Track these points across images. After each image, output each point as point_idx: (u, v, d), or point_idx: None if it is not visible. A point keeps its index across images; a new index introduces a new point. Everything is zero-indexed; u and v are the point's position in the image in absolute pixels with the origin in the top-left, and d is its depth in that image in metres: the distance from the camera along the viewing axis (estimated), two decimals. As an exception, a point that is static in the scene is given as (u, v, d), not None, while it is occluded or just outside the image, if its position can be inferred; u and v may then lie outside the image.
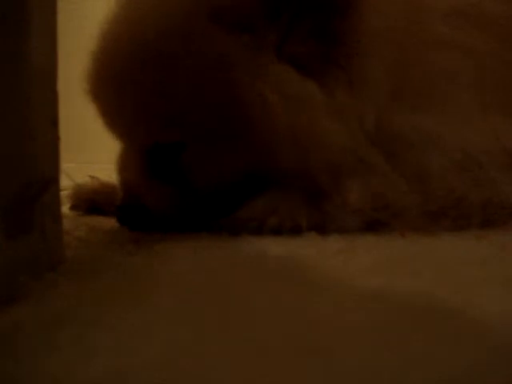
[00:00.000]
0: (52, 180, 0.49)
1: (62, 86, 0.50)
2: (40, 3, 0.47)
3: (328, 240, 0.62)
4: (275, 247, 0.60)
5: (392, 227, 0.66)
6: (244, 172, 0.68)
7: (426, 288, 0.44)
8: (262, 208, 0.67)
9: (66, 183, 0.86)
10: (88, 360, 0.31)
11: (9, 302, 0.40)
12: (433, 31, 0.72)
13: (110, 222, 0.79)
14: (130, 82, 0.67)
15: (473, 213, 0.68)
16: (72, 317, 0.38)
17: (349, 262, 0.53)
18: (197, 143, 0.68)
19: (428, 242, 0.61)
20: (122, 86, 0.68)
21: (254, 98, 0.64)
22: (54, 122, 0.49)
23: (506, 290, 0.44)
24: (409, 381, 0.29)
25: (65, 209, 0.88)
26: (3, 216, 0.43)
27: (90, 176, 1.01)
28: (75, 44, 1.80)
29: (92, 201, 0.95)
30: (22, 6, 0.44)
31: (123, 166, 0.76)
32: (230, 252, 0.60)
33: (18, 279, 0.43)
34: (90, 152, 1.64)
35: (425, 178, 0.67)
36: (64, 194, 0.83)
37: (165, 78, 0.65)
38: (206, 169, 0.70)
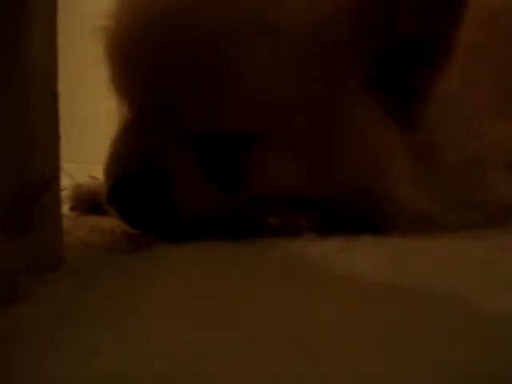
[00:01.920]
0: (52, 180, 0.49)
1: (62, 85, 0.50)
2: (40, 3, 0.47)
3: (328, 240, 0.62)
4: (275, 247, 0.60)
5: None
6: (300, 191, 0.63)
7: (426, 288, 0.44)
8: (261, 208, 0.67)
9: (66, 183, 0.86)
10: (88, 360, 0.31)
11: (9, 302, 0.40)
12: None
13: (110, 223, 0.79)
14: (206, 51, 0.59)
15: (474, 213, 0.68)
16: (72, 317, 0.38)
17: (349, 262, 0.53)
18: (267, 142, 0.61)
19: (428, 242, 0.61)
20: (194, 56, 0.59)
21: (350, 116, 0.62)
22: (53, 122, 0.49)
23: (506, 290, 0.44)
24: (409, 381, 0.29)
25: (65, 209, 0.88)
26: (3, 216, 0.43)
27: (89, 176, 1.01)
28: (75, 44, 1.80)
29: (92, 201, 0.95)
30: (22, 6, 0.44)
31: (142, 135, 0.63)
32: (230, 252, 0.59)
33: (17, 279, 0.43)
34: (90, 152, 1.64)
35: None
36: (64, 194, 0.83)
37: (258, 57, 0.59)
38: (264, 175, 0.63)
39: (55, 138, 0.49)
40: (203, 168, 0.61)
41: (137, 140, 0.62)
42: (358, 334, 0.34)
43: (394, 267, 0.51)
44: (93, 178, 0.99)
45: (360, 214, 0.63)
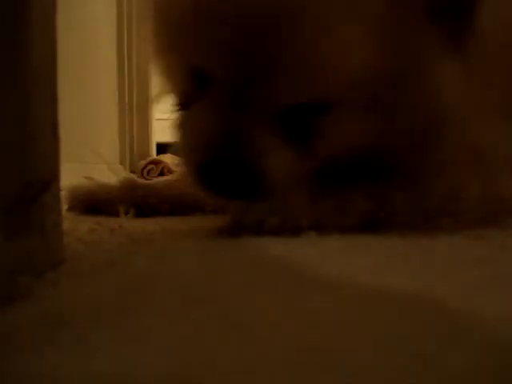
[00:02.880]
0: (52, 180, 0.49)
1: (62, 85, 0.50)
2: (40, 3, 0.47)
3: (328, 240, 0.62)
4: (275, 247, 0.60)
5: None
6: (368, 149, 0.67)
7: (426, 288, 0.44)
8: (262, 208, 0.67)
9: (65, 183, 0.86)
10: (88, 360, 0.31)
11: (9, 302, 0.40)
12: None
13: (109, 222, 0.79)
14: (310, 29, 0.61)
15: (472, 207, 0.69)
16: (72, 317, 0.38)
17: (349, 262, 0.53)
18: (343, 107, 0.65)
19: (428, 242, 0.61)
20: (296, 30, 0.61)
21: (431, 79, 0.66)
22: (53, 122, 0.49)
23: (506, 290, 0.44)
24: (408, 381, 0.29)
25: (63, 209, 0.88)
26: (3, 216, 0.43)
27: (86, 177, 1.01)
28: (75, 44, 1.80)
29: (89, 202, 0.95)
30: (22, 6, 0.44)
31: (220, 117, 0.65)
32: (231, 251, 0.60)
33: (17, 279, 0.43)
34: (89, 152, 1.64)
35: None
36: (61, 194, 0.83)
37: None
38: (337, 137, 0.67)
39: (55, 138, 0.50)
40: (284, 135, 0.65)
41: (226, 115, 0.64)
42: (358, 334, 0.34)
43: (394, 267, 0.51)
44: (89, 178, 1.00)
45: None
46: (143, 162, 2.38)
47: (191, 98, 0.69)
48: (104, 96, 2.34)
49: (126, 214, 0.89)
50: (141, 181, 1.07)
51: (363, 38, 0.63)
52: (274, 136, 0.65)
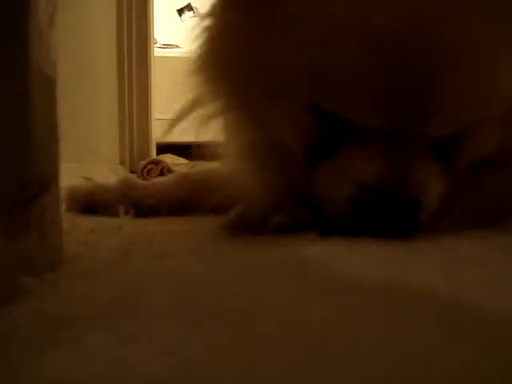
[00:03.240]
0: (52, 180, 0.49)
1: (62, 85, 0.50)
2: (40, 4, 0.47)
3: (329, 240, 0.62)
4: (276, 247, 0.60)
5: None
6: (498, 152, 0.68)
7: (426, 288, 0.44)
8: (264, 205, 0.67)
9: (65, 183, 0.86)
10: (88, 360, 0.31)
11: (9, 302, 0.40)
12: None
13: (109, 222, 0.79)
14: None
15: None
16: (71, 317, 0.38)
17: (349, 262, 0.53)
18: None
19: (428, 242, 0.61)
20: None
21: None
22: (53, 122, 0.49)
23: (506, 290, 0.44)
24: (409, 379, 0.29)
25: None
26: (3, 216, 0.43)
27: (84, 178, 1.01)
28: (75, 45, 1.80)
29: (86, 202, 0.95)
30: (22, 7, 0.44)
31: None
32: (231, 251, 0.60)
33: (17, 279, 0.43)
34: (89, 152, 1.64)
35: None
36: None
37: None
38: (477, 150, 0.67)
39: (55, 138, 0.50)
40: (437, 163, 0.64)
41: (386, 156, 0.63)
42: (358, 334, 0.34)
43: (394, 267, 0.51)
44: (87, 179, 1.00)
45: None
46: (143, 162, 2.38)
47: (320, 143, 0.66)
48: (104, 96, 2.34)
49: (126, 214, 0.89)
50: (139, 181, 1.06)
51: None
52: (432, 167, 0.64)
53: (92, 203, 0.95)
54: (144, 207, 0.92)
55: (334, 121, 0.64)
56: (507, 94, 0.63)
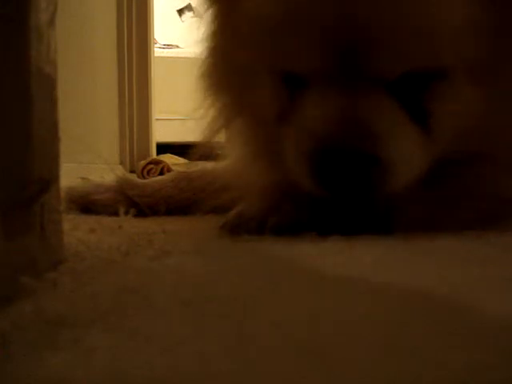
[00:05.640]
0: (52, 180, 0.49)
1: (62, 85, 0.50)
2: (40, 4, 0.47)
3: (328, 240, 0.62)
4: (275, 247, 0.60)
5: None
6: (480, 120, 0.64)
7: (426, 288, 0.44)
8: (262, 207, 0.67)
9: (65, 183, 0.86)
10: (88, 360, 0.31)
11: (9, 302, 0.40)
12: None
13: (109, 222, 0.79)
14: None
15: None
16: (72, 317, 0.38)
17: (349, 262, 0.53)
18: (453, 77, 0.61)
19: (428, 242, 0.61)
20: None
21: None
22: (54, 123, 0.49)
23: (506, 290, 0.44)
24: (408, 380, 0.29)
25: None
26: (3, 216, 0.43)
27: (81, 178, 1.01)
28: (75, 45, 1.80)
29: (84, 202, 0.95)
30: (22, 7, 0.44)
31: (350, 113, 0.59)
32: (231, 251, 0.60)
33: (17, 279, 0.43)
34: (89, 152, 1.64)
35: None
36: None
37: None
38: (452, 113, 0.62)
39: (55, 138, 0.50)
40: (403, 115, 0.59)
41: (339, 99, 0.59)
42: (358, 334, 0.34)
43: (394, 267, 0.51)
44: (84, 179, 1.00)
45: None
46: (143, 162, 2.38)
47: (286, 107, 0.65)
48: (104, 96, 2.34)
49: (126, 213, 0.89)
50: (136, 179, 1.06)
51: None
52: (394, 116, 0.59)
53: (90, 202, 0.95)
54: (141, 206, 0.92)
55: (293, 81, 0.63)
56: (463, 31, 0.60)
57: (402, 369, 0.30)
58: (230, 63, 0.71)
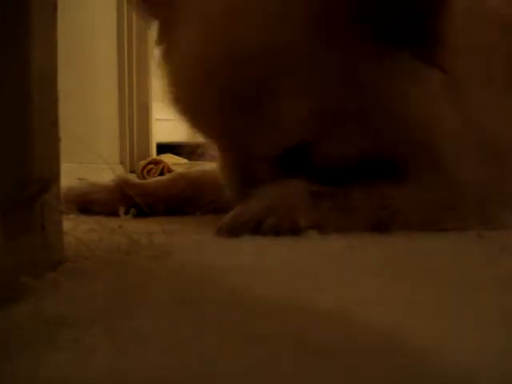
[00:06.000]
0: (52, 180, 0.49)
1: (62, 85, 0.50)
2: (40, 4, 0.47)
3: (328, 240, 0.62)
4: (275, 246, 0.60)
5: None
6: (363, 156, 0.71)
7: (426, 288, 0.44)
8: (259, 208, 0.67)
9: (65, 183, 0.86)
10: (88, 360, 0.31)
11: (9, 302, 0.40)
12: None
13: (109, 222, 0.79)
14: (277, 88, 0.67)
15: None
16: (72, 317, 0.38)
17: (349, 262, 0.53)
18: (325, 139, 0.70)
19: (428, 242, 0.61)
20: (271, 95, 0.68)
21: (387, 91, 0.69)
22: (54, 123, 0.49)
23: (506, 290, 0.44)
24: (407, 379, 0.29)
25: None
26: (3, 216, 0.43)
27: (78, 178, 1.01)
28: (75, 44, 1.80)
29: (82, 202, 0.95)
30: (21, 7, 0.44)
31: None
32: (230, 251, 0.60)
33: (17, 279, 0.43)
34: (89, 152, 1.64)
35: None
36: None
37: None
38: (331, 156, 0.71)
39: (55, 138, 0.50)
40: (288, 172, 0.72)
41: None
42: (358, 333, 0.34)
43: (394, 267, 0.51)
44: (81, 180, 1.00)
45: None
46: (143, 162, 2.38)
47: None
48: (104, 96, 2.34)
49: (126, 213, 0.89)
50: (134, 179, 1.07)
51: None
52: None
53: (87, 201, 0.95)
54: (140, 204, 0.93)
55: None
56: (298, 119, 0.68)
57: (401, 367, 0.30)
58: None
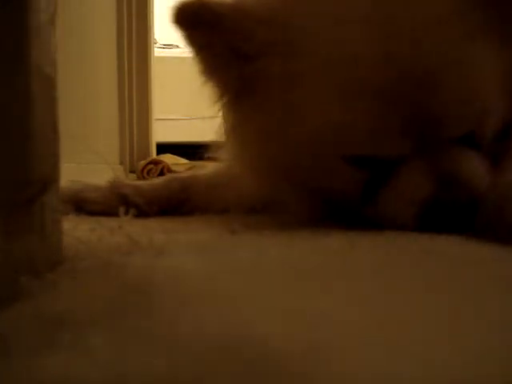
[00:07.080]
0: (52, 180, 0.49)
1: (62, 85, 0.50)
2: (40, 4, 0.47)
3: (328, 239, 0.62)
4: (275, 246, 0.60)
5: None
6: None
7: (426, 287, 0.44)
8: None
9: (65, 183, 0.87)
10: (88, 360, 0.31)
11: (9, 302, 0.40)
12: None
13: (109, 222, 0.79)
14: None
15: None
16: (71, 317, 0.38)
17: (349, 262, 0.53)
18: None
19: (428, 242, 0.61)
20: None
21: None
22: (54, 122, 0.49)
23: (506, 290, 0.44)
24: (407, 380, 0.29)
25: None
26: (3, 216, 0.43)
27: (71, 180, 1.02)
28: (75, 44, 1.80)
29: (76, 201, 0.96)
30: (21, 7, 0.44)
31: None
32: (230, 251, 0.60)
33: (17, 279, 0.43)
34: (89, 152, 1.64)
35: None
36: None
37: None
38: None
39: (55, 138, 0.50)
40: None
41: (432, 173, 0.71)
42: (358, 334, 0.34)
43: (394, 266, 0.51)
44: (74, 181, 1.01)
45: None
46: (143, 162, 2.39)
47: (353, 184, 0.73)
48: (104, 96, 2.34)
49: (126, 213, 0.90)
50: (129, 181, 1.08)
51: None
52: (475, 161, 0.71)
53: (81, 200, 0.96)
54: (135, 204, 0.93)
55: (371, 163, 0.71)
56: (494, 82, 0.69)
57: (401, 368, 0.30)
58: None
